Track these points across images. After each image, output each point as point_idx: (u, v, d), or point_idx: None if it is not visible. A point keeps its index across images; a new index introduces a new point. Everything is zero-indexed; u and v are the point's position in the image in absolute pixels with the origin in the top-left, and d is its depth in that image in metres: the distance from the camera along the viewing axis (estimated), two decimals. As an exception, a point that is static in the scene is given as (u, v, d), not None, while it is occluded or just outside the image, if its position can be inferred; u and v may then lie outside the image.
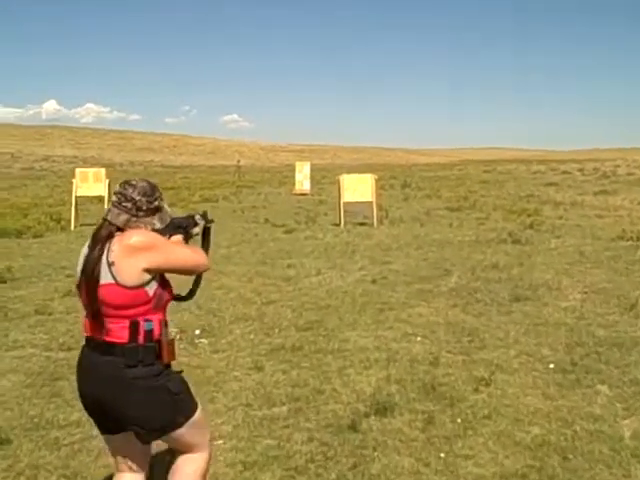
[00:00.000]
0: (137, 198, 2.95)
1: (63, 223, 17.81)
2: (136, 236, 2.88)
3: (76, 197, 17.99)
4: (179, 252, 3.02)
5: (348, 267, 11.35)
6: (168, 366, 2.99)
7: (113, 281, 2.82)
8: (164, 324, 2.97)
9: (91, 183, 18.04)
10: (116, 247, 2.85)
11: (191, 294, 3.38)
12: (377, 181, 18.12)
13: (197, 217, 3.32)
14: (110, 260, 2.84)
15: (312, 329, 7.42)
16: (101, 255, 2.86)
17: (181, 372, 3.09)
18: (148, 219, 2.99)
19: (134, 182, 3.02)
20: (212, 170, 70.74)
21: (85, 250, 2.96)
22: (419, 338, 7.04)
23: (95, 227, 3.01)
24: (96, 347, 2.93)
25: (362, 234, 15.66)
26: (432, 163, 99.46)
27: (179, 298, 3.28)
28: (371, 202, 17.54)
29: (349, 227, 17.02)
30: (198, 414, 3.11)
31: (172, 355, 2.97)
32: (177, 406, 2.97)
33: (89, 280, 2.86)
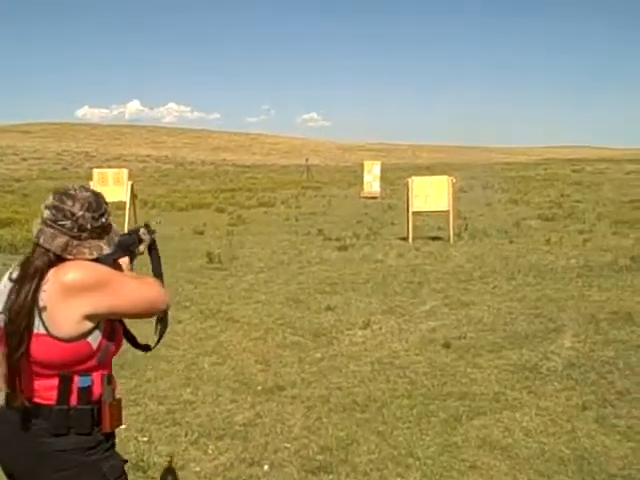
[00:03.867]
0: (79, 214, 2.21)
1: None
2: (73, 272, 2.15)
3: (93, 204, 15.10)
4: (131, 289, 2.25)
5: (411, 311, 7.99)
6: (109, 438, 2.29)
7: (44, 331, 2.14)
8: (107, 380, 2.25)
9: (111, 186, 15.10)
10: (48, 286, 2.15)
11: (158, 341, 2.56)
12: (454, 184, 14.59)
13: (141, 232, 2.61)
14: (41, 305, 2.14)
15: (328, 469, 4.09)
16: (35, 294, 2.13)
17: (125, 462, 2.36)
18: (94, 242, 2.25)
19: (72, 191, 2.24)
20: (284, 169, 67.74)
21: (6, 283, 2.22)
22: (531, 506, 3.64)
23: (24, 256, 2.23)
24: (14, 407, 2.19)
25: (435, 254, 12.22)
26: (514, 162, 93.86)
27: (137, 346, 2.56)
28: (447, 212, 14.03)
29: (418, 243, 13.58)
30: None
31: (118, 420, 2.29)
32: None
33: (16, 328, 2.12)
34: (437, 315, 7.80)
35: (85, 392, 2.23)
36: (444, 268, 10.86)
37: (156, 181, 43.22)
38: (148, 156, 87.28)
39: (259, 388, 5.48)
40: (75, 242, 2.22)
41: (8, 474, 2.35)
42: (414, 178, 14.50)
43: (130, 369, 5.95)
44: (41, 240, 2.20)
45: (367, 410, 4.97)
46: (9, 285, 2.22)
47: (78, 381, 2.21)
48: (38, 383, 2.21)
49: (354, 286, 9.50)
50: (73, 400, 2.22)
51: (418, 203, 14.11)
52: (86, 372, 2.22)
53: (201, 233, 15.48)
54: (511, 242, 13.55)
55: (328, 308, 8.12)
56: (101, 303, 2.17)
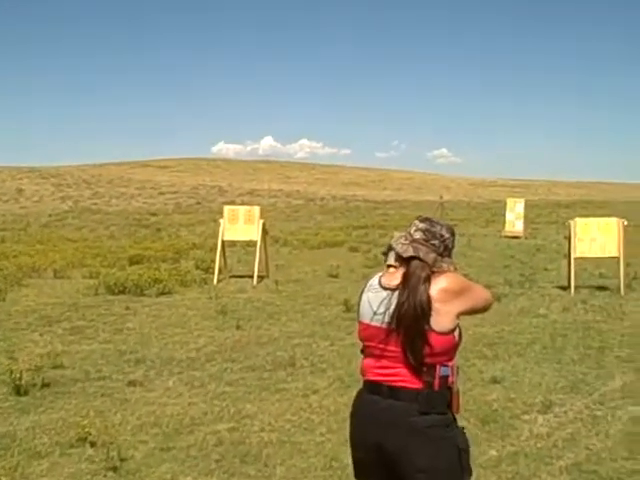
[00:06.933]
0: (446, 236, 2.83)
1: (207, 275, 14.16)
2: (448, 281, 2.71)
3: (223, 242, 14.20)
4: (479, 291, 2.85)
5: (599, 389, 6.43)
6: (455, 419, 2.76)
7: (428, 327, 2.64)
8: (457, 370, 2.76)
9: (241, 224, 14.17)
10: (431, 292, 2.68)
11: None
12: (626, 227, 12.74)
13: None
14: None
15: None
16: (429, 297, 2.65)
17: (464, 429, 2.79)
18: (448, 258, 2.81)
19: (436, 220, 2.90)
20: (416, 206, 66.14)
21: (378, 290, 2.77)
22: None
23: (404, 267, 2.73)
24: (382, 392, 2.72)
25: (606, 309, 10.51)
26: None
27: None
28: (617, 258, 12.25)
29: (583, 294, 11.87)
30: None
31: (459, 406, 2.76)
32: (462, 466, 2.69)
33: (412, 326, 2.63)
34: (636, 396, 6.19)
35: (444, 379, 2.65)
36: (622, 328, 9.18)
37: (287, 217, 42.79)
38: (279, 191, 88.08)
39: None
40: (439, 258, 2.74)
41: (377, 449, 2.69)
42: (578, 220, 12.80)
43: (255, 463, 4.75)
44: (421, 254, 2.71)
45: None
46: (383, 292, 2.73)
47: (440, 370, 2.63)
48: (409, 371, 2.64)
49: (519, 349, 8.00)
50: (436, 385, 2.64)
51: (582, 248, 12.40)
52: (445, 363, 2.65)
53: (335, 276, 14.32)
54: (694, 295, 11.62)
55: (494, 380, 6.67)
56: (466, 303, 2.71)
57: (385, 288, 2.75)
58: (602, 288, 12.51)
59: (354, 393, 6.31)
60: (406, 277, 2.70)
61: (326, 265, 15.71)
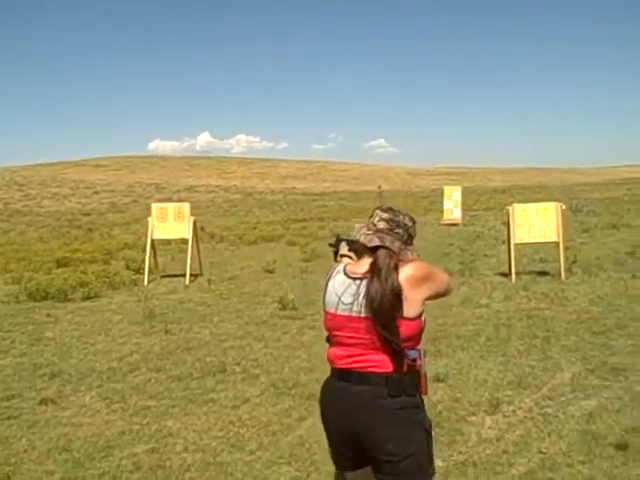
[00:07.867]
0: (409, 224, 2.90)
1: (138, 276, 13.47)
2: (414, 268, 2.78)
3: (152, 240, 13.52)
4: (441, 276, 2.91)
5: (548, 383, 6.07)
6: (422, 401, 2.84)
7: (399, 314, 2.71)
8: (424, 354, 2.84)
9: (171, 222, 13.51)
10: (400, 279, 2.73)
11: None
12: (564, 211, 12.52)
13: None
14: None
15: None
16: (399, 284, 2.70)
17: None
18: (411, 247, 2.88)
19: (397, 209, 2.94)
20: (354, 196, 65.93)
21: (344, 280, 2.81)
22: None
23: (368, 257, 2.80)
24: (351, 379, 2.76)
25: (549, 295, 10.22)
26: (592, 182, 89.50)
27: None
28: (557, 243, 12.02)
29: (524, 280, 11.60)
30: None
31: (427, 389, 2.84)
32: (429, 452, 2.76)
33: (384, 313, 2.68)
34: (586, 389, 5.85)
35: (412, 363, 2.73)
36: (566, 314, 8.88)
37: (225, 212, 42.00)
38: (217, 186, 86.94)
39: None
40: (403, 246, 2.82)
41: (349, 433, 2.76)
42: (516, 205, 12.51)
43: (176, 491, 4.22)
44: (387, 243, 2.77)
45: None
46: (349, 280, 2.79)
47: (408, 354, 2.71)
48: (379, 356, 2.72)
49: (462, 343, 7.61)
50: (405, 369, 2.71)
51: (521, 234, 12.11)
52: (413, 347, 2.74)
53: (272, 272, 13.79)
54: (634, 277, 11.43)
55: (437, 379, 6.22)
56: (431, 288, 2.78)
57: (351, 277, 2.80)
58: (543, 273, 12.28)
59: (287, 402, 5.91)
60: (375, 266, 2.75)
61: (262, 260, 15.18)
